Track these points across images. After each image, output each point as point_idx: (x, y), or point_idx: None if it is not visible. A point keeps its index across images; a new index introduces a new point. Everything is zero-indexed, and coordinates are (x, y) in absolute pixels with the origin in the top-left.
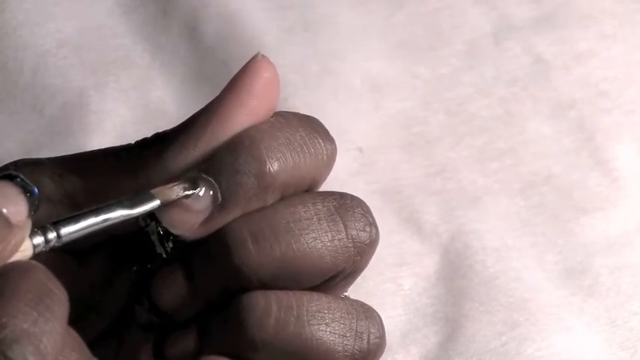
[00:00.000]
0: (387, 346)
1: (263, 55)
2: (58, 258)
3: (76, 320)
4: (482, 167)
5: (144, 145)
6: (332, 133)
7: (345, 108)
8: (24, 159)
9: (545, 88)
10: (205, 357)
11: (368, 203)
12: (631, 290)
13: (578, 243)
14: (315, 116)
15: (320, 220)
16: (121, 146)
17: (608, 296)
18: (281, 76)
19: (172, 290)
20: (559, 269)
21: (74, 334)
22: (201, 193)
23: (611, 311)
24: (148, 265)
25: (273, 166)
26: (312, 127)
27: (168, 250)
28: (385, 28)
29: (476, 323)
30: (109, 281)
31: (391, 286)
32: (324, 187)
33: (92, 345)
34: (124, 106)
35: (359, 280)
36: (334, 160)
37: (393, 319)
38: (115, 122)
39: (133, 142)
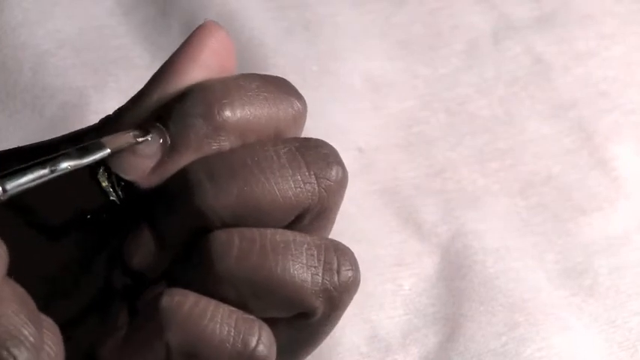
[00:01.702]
0: (386, 346)
1: (211, 20)
2: (26, 234)
3: (56, 298)
4: (482, 167)
5: (107, 121)
6: (332, 133)
7: (345, 108)
8: None
9: (545, 88)
10: (167, 289)
11: (368, 203)
12: (631, 290)
13: (577, 243)
14: (315, 116)
15: (280, 158)
16: (87, 127)
17: (608, 296)
18: (281, 76)
19: (141, 248)
20: (559, 269)
21: (15, 286)
22: (150, 138)
23: (610, 311)
24: (104, 215)
25: (222, 109)
26: (273, 81)
27: (121, 196)
28: (385, 28)
29: (476, 323)
30: (87, 258)
31: (391, 286)
32: None
33: (74, 322)
34: None
35: None
36: (304, 119)
37: (393, 319)
38: None
39: None
